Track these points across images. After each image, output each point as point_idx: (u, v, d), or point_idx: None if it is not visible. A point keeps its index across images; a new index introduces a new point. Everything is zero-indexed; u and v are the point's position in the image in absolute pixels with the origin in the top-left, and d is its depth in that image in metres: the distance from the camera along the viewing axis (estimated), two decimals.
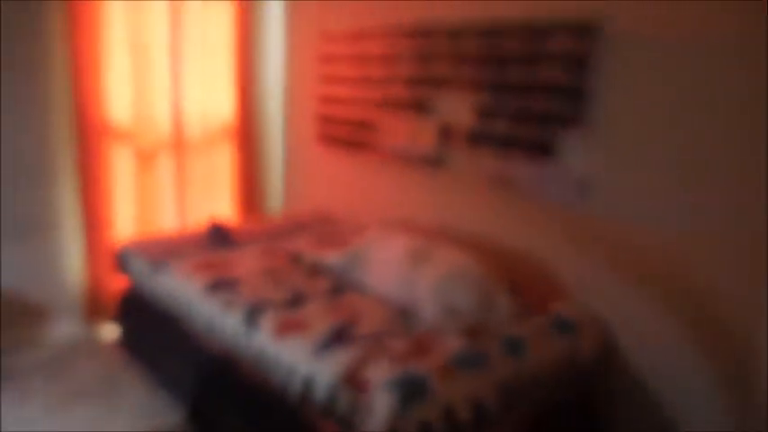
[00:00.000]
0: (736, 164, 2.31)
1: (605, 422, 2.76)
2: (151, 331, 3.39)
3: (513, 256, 3.04)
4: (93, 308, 3.89)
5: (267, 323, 2.57)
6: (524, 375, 2.39)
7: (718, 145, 2.35)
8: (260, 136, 4.51)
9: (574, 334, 2.61)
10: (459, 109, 3.22)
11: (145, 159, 4.05)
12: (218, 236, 3.63)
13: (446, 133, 3.30)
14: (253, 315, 2.64)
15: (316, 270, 3.16)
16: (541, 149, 2.88)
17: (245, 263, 3.23)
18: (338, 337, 2.41)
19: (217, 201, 4.41)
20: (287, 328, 2.51)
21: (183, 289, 3.04)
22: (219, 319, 2.77)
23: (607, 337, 2.71)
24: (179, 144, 4.17)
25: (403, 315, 2.66)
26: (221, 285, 2.93)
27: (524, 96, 2.91)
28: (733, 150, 2.32)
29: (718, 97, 2.33)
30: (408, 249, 2.94)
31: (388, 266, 2.93)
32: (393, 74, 3.55)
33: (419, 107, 3.42)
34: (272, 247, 3.50)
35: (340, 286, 2.97)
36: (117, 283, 3.74)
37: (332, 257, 3.20)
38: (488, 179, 3.12)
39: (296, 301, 2.76)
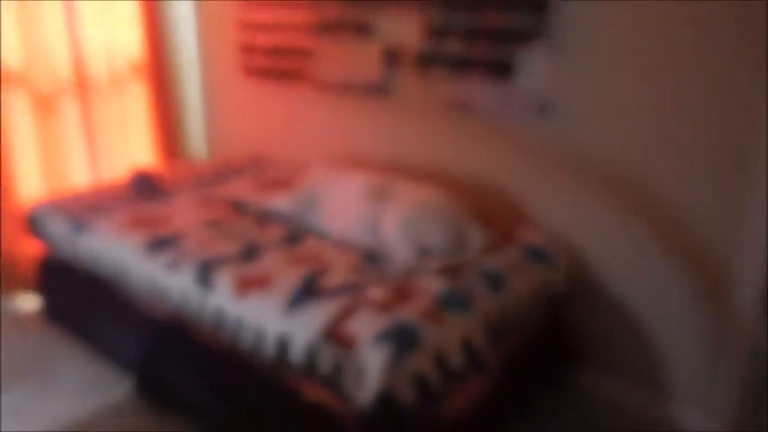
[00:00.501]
0: (710, 78, 2.22)
1: (579, 349, 2.73)
2: (80, 299, 3.04)
3: (472, 185, 2.89)
4: (7, 278, 3.45)
5: (223, 281, 2.31)
6: (508, 310, 2.28)
7: (693, 59, 2.24)
8: (174, 71, 4.05)
9: (546, 263, 2.52)
10: (404, 29, 2.95)
11: (44, 106, 3.54)
12: (145, 186, 3.26)
13: (391, 57, 3.03)
14: (205, 273, 2.37)
15: (263, 218, 2.89)
16: (499, 69, 2.69)
17: (183, 215, 2.90)
18: (308, 291, 2.19)
19: (133, 148, 3.96)
20: (247, 285, 2.26)
21: (115, 250, 2.70)
22: (164, 280, 2.48)
23: (577, 263, 2.64)
24: (82, 86, 3.67)
25: (371, 259, 2.46)
26: (162, 243, 2.62)
27: (479, 11, 2.68)
28: (708, 65, 2.22)
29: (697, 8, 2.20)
30: (365, 187, 2.72)
31: (346, 207, 2.70)
32: None
33: (359, 29, 3.12)
34: (207, 196, 3.18)
35: (295, 233, 2.72)
36: (32, 249, 3.32)
37: (280, 202, 2.93)
38: (442, 105, 2.91)
39: (250, 253, 2.50)
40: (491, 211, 2.78)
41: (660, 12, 2.26)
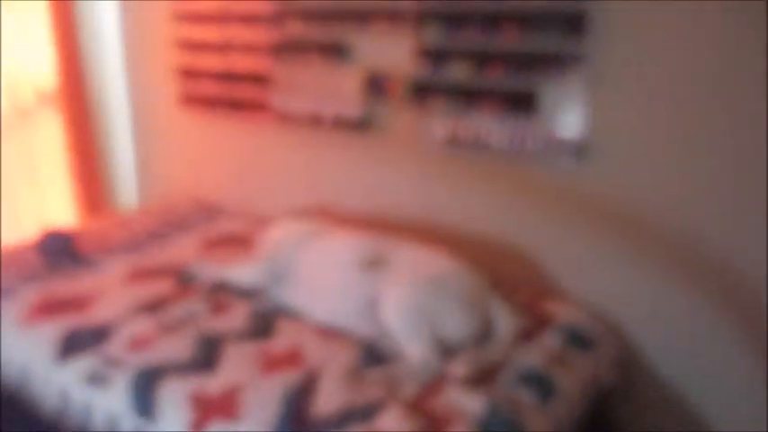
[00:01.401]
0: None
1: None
2: None
3: (481, 244, 2.32)
4: None
5: (172, 406, 1.65)
6: (561, 423, 1.71)
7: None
8: (96, 101, 3.32)
9: (592, 350, 1.97)
10: (391, 51, 2.37)
11: None
12: (59, 251, 2.53)
13: (375, 85, 2.44)
14: (144, 392, 1.70)
15: (219, 293, 2.23)
16: (520, 101, 2.14)
17: (111, 295, 2.20)
18: (295, 421, 1.56)
19: (44, 199, 3.21)
20: (207, 413, 1.61)
21: (15, 350, 1.99)
22: (84, 399, 1.79)
23: (621, 343, 2.12)
24: None
25: (372, 356, 1.85)
26: (80, 340, 1.92)
27: (493, 30, 2.13)
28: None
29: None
30: (353, 251, 2.10)
31: (331, 280, 2.07)
32: (290, 7, 2.60)
33: (331, 51, 2.52)
34: (143, 263, 2.49)
35: (264, 317, 2.07)
36: None
37: (241, 272, 2.27)
38: (441, 144, 2.34)
39: (207, 356, 1.83)
40: (506, 278, 2.22)
41: (713, 38, 1.78)
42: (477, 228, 2.34)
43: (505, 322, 1.91)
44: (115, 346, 1.89)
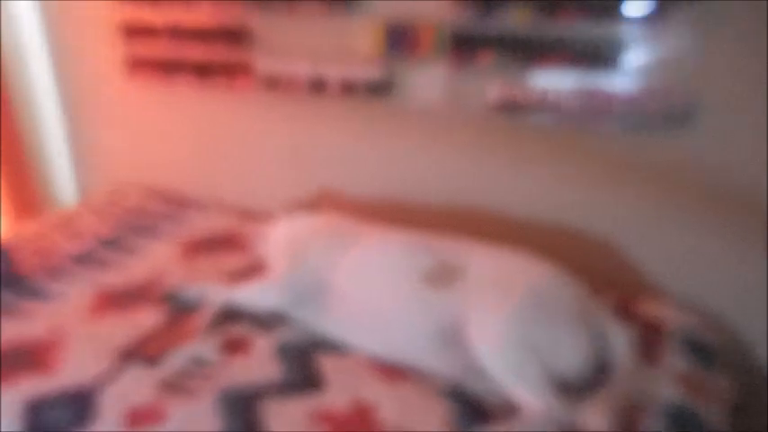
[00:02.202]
0: None
1: None
2: None
3: (547, 234, 1.89)
4: None
5: None
6: None
7: None
8: (9, 66, 2.60)
9: (720, 364, 1.60)
10: None
11: None
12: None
13: (397, 37, 1.92)
14: None
15: (227, 323, 1.69)
16: (599, 52, 1.69)
17: (78, 335, 1.63)
18: None
19: None
20: None
21: None
22: None
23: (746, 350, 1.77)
24: None
25: (472, 411, 1.39)
26: (55, 417, 1.37)
27: None
28: None
29: None
30: (409, 259, 1.62)
31: (385, 300, 1.58)
32: None
33: None
34: (107, 281, 1.91)
35: (300, 356, 1.56)
36: None
37: (254, 293, 1.73)
38: (492, 110, 1.86)
39: (244, 429, 1.33)
40: (585, 275, 1.80)
41: None
42: (539, 213, 1.90)
43: (619, 341, 1.50)
44: (108, 424, 1.35)
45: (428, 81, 1.92)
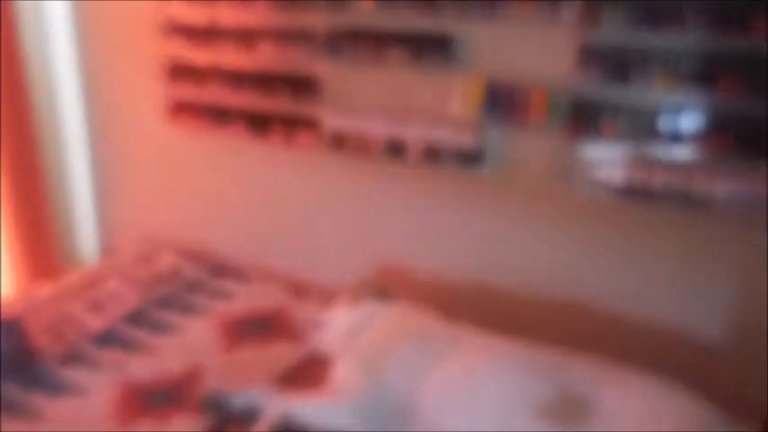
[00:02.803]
0: None
1: None
2: None
3: (687, 349, 1.55)
4: None
5: None
6: None
7: None
8: (36, 94, 2.30)
9: None
10: (536, 48, 1.55)
11: None
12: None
13: (498, 99, 1.61)
14: None
15: None
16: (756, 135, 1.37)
17: None
18: None
19: None
20: None
21: None
22: None
23: None
24: None
25: None
26: None
27: (719, 22, 1.35)
28: None
29: None
30: (524, 384, 1.29)
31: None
32: None
33: (429, 44, 1.66)
34: (135, 374, 1.58)
35: None
36: None
37: (320, 410, 1.37)
38: (613, 193, 1.53)
39: None
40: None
41: None
42: (661, 317, 1.56)
43: None
44: None
45: (532, 153, 1.61)
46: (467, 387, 1.33)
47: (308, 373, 1.58)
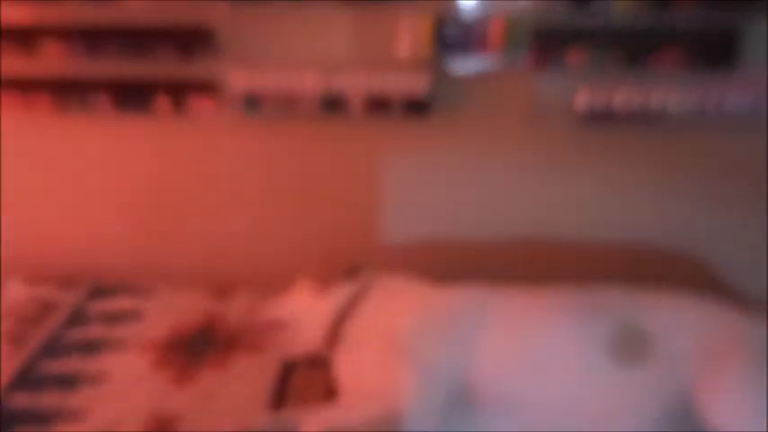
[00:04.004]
0: None
1: None
2: None
3: (645, 257, 1.61)
4: None
5: None
6: None
7: None
8: None
9: None
10: None
11: None
12: None
13: (456, 34, 1.45)
14: None
15: None
16: (713, 49, 1.43)
17: None
18: None
19: None
20: None
21: None
22: None
23: None
24: None
25: None
26: None
27: None
28: None
29: None
30: (577, 331, 1.20)
31: (570, 395, 1.16)
32: None
33: None
34: None
35: None
36: None
37: (380, 420, 1.15)
38: (582, 119, 1.50)
39: None
40: None
41: None
42: (638, 233, 1.60)
43: None
44: None
45: (495, 88, 1.50)
46: (524, 350, 1.21)
47: (309, 383, 1.32)
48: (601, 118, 1.50)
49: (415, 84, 1.49)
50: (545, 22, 1.43)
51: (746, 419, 1.07)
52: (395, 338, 1.25)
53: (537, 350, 1.21)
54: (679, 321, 1.22)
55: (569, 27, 1.43)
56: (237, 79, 1.51)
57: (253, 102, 1.52)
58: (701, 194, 1.55)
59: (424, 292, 1.35)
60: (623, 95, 1.48)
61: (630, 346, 1.18)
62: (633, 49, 1.44)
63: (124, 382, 1.34)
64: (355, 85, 1.49)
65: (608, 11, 1.40)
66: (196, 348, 1.45)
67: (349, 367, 1.29)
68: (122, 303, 1.58)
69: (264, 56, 1.49)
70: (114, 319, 1.53)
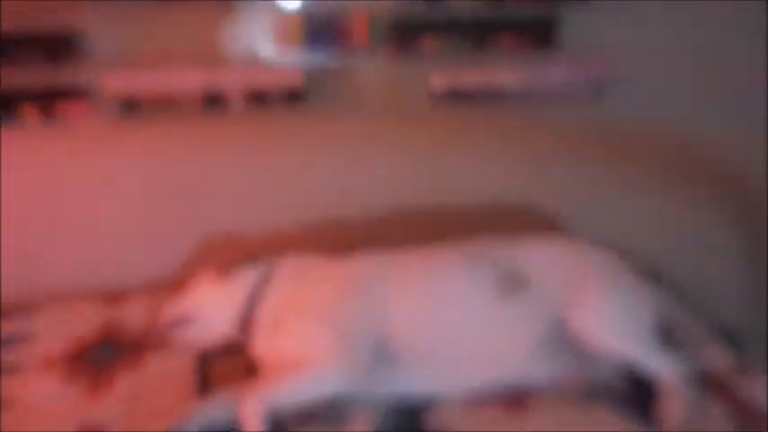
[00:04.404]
0: None
1: None
2: None
3: (495, 213, 1.86)
4: None
5: None
6: None
7: None
8: None
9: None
10: None
11: None
12: None
13: (318, 30, 1.57)
14: None
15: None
16: (539, 35, 1.71)
17: None
18: None
19: None
20: None
21: None
22: None
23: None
24: None
25: (627, 406, 1.30)
26: None
27: None
28: None
29: None
30: (468, 276, 1.41)
31: (467, 329, 1.35)
32: None
33: None
34: None
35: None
36: None
37: (311, 383, 1.24)
38: (439, 99, 1.70)
39: None
40: None
41: None
42: (490, 194, 1.84)
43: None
44: None
45: (363, 78, 1.65)
46: (427, 298, 1.38)
47: (229, 369, 1.38)
48: (454, 97, 1.72)
49: (290, 77, 1.59)
50: (403, 17, 1.60)
51: (609, 330, 1.34)
52: (309, 309, 1.36)
53: (437, 299, 1.39)
54: (547, 259, 1.47)
55: (423, 20, 1.62)
56: (112, 81, 1.50)
57: (130, 104, 1.52)
58: (542, 158, 1.84)
59: (328, 265, 1.47)
60: (471, 77, 1.72)
61: (512, 285, 1.41)
62: (477, 36, 1.67)
63: (37, 403, 1.30)
64: (234, 80, 1.56)
65: (455, 5, 1.63)
66: (103, 357, 1.44)
67: (268, 345, 1.37)
68: (9, 327, 1.51)
69: (139, 56, 1.50)
70: (5, 343, 1.46)
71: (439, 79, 1.69)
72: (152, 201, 1.65)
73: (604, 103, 1.81)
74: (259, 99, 1.59)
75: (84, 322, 1.53)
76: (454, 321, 1.36)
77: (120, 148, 1.58)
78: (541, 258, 1.47)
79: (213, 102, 1.56)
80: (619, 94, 1.79)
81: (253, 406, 1.19)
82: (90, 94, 1.50)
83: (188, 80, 1.52)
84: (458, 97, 1.72)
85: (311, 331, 1.32)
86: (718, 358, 1.40)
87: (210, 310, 1.46)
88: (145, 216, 1.66)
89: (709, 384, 1.32)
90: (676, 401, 1.25)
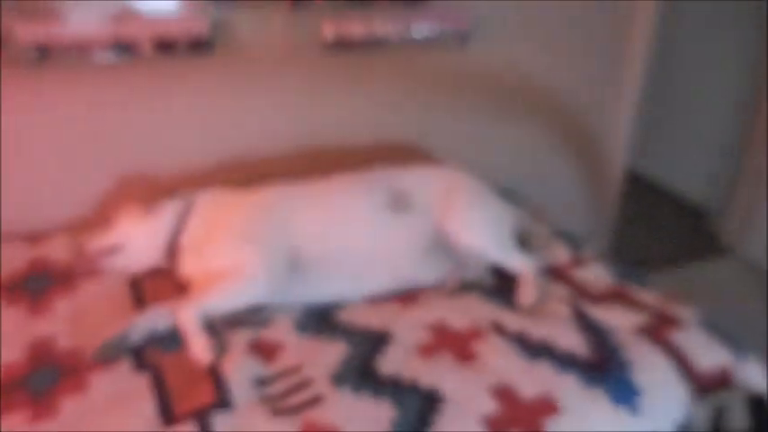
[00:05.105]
0: None
1: None
2: None
3: (377, 149, 2.14)
4: None
5: None
6: None
7: None
8: None
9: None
10: None
11: None
12: None
13: None
14: None
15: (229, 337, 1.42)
16: None
17: None
18: None
19: None
20: None
21: None
22: None
23: None
24: None
25: (496, 297, 1.64)
26: None
27: None
28: None
29: None
30: (362, 199, 1.68)
31: (366, 241, 1.63)
32: None
33: None
34: None
35: (329, 328, 1.49)
36: None
37: (238, 292, 1.46)
38: (328, 48, 1.92)
39: None
40: None
41: None
42: (377, 129, 2.11)
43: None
44: None
45: (262, 28, 1.83)
46: (331, 216, 1.63)
47: (160, 288, 1.57)
48: (343, 45, 1.95)
49: (196, 27, 1.74)
50: None
51: (476, 235, 1.67)
52: (230, 231, 1.58)
53: (340, 217, 1.64)
54: (427, 182, 1.76)
55: None
56: (25, 30, 1.58)
57: (43, 52, 1.61)
58: (418, 98, 2.13)
59: (243, 195, 1.68)
60: (357, 27, 1.95)
61: (401, 203, 1.69)
62: None
63: None
64: (143, 29, 1.69)
65: None
66: (37, 286, 1.56)
67: (195, 266, 1.56)
68: None
69: (51, 6, 1.59)
70: None
71: (329, 29, 1.91)
72: (67, 145, 1.76)
73: (469, 50, 2.12)
74: (167, 47, 1.73)
75: (11, 261, 1.63)
76: (355, 235, 1.63)
77: (34, 95, 1.67)
78: (423, 181, 1.77)
79: (124, 50, 1.69)
80: (481, 42, 2.11)
81: (188, 312, 1.41)
82: (2, 42, 1.57)
83: (99, 29, 1.64)
84: (345, 45, 1.95)
85: (234, 248, 1.54)
86: (560, 254, 1.79)
87: (137, 240, 1.62)
88: (60, 160, 1.76)
89: (553, 273, 1.70)
90: (530, 286, 1.61)
